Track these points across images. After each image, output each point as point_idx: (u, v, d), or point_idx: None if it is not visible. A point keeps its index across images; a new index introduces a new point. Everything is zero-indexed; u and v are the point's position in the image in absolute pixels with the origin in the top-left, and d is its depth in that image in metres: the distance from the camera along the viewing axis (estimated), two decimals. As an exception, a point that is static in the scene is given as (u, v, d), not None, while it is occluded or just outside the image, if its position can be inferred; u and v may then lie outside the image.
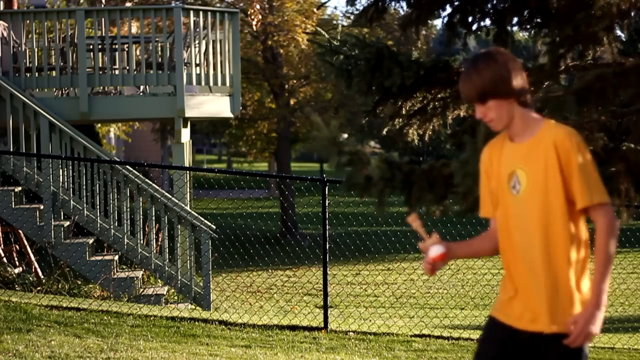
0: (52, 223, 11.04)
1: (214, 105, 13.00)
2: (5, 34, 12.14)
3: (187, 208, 11.45)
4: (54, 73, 12.32)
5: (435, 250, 3.46)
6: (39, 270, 11.64)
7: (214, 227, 11.19)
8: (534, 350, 3.37)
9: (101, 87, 13.06)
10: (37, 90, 12.59)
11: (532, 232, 3.34)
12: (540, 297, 3.34)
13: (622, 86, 5.20)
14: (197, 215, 11.25)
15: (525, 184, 3.33)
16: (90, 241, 11.38)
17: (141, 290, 11.34)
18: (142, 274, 11.92)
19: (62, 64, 12.30)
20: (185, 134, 12.96)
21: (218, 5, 24.26)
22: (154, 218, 11.16)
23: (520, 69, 3.34)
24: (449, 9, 6.00)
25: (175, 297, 11.65)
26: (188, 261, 11.20)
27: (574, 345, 3.28)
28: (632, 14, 5.75)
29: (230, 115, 13.32)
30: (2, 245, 11.80)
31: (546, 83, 5.78)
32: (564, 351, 3.29)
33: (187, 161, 13.39)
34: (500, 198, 3.42)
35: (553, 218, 3.33)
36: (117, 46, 12.49)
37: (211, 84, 12.71)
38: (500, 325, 3.42)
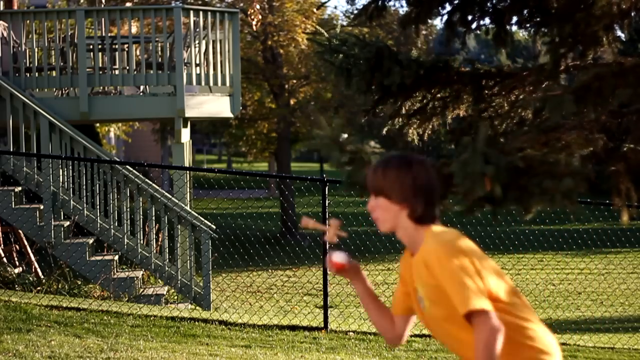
0: (52, 223, 11.04)
1: (214, 105, 13.00)
2: (5, 34, 12.14)
3: (187, 208, 11.44)
4: (54, 73, 12.31)
5: (338, 256, 3.52)
6: (39, 270, 11.64)
7: (214, 227, 11.19)
8: None
9: (101, 87, 13.06)
10: (37, 90, 12.58)
11: (447, 341, 3.34)
12: None
13: (621, 86, 5.19)
14: (197, 215, 11.25)
15: (426, 301, 3.28)
16: (90, 241, 11.38)
17: (141, 290, 11.34)
18: (142, 274, 11.92)
19: (62, 64, 12.30)
20: (185, 134, 12.95)
21: (218, 5, 24.25)
22: (154, 218, 11.16)
23: (430, 187, 3.29)
24: (448, 8, 5.99)
25: (175, 297, 11.65)
26: (188, 261, 11.20)
27: None
28: (633, 14, 5.74)
29: (230, 115, 13.32)
30: (2, 245, 11.80)
31: (546, 83, 5.78)
32: None
33: (187, 161, 13.39)
34: (415, 306, 3.40)
35: (459, 329, 3.23)
36: (117, 46, 12.49)
37: (211, 84, 12.71)
38: None
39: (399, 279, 3.52)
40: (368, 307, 3.60)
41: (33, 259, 11.82)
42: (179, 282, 11.15)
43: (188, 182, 12.47)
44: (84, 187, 11.22)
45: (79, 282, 11.04)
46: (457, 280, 3.12)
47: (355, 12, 26.13)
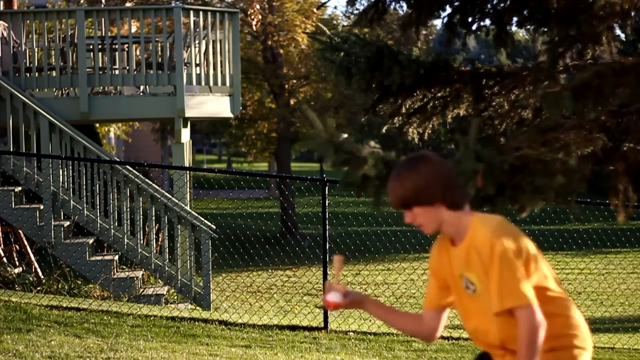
0: (52, 223, 11.04)
1: (214, 105, 13.00)
2: (5, 34, 12.14)
3: (187, 208, 11.45)
4: (54, 73, 12.32)
5: (333, 296, 3.54)
6: (39, 270, 11.64)
7: (214, 227, 11.19)
8: None
9: (101, 87, 13.06)
10: (37, 90, 12.58)
11: (481, 327, 3.38)
12: None
13: (621, 84, 5.19)
14: (197, 215, 11.25)
15: (478, 284, 3.32)
16: (90, 241, 11.38)
17: (141, 290, 11.34)
18: (142, 274, 11.92)
19: (62, 64, 12.30)
20: (185, 134, 12.96)
21: (218, 5, 24.25)
22: (154, 218, 11.16)
23: (446, 174, 3.34)
24: (448, 9, 6.00)
25: (175, 297, 11.65)
26: (188, 261, 11.20)
27: None
28: (633, 14, 5.74)
29: (230, 115, 13.32)
30: (2, 245, 11.80)
31: (545, 82, 5.78)
32: None
33: (187, 161, 13.39)
34: (457, 294, 3.44)
35: (499, 321, 3.31)
36: (117, 46, 12.49)
37: (211, 84, 12.71)
38: None
39: (430, 274, 3.54)
40: (388, 321, 3.65)
41: (33, 259, 11.83)
42: (179, 282, 11.15)
43: (188, 182, 12.47)
44: (84, 187, 11.22)
45: (79, 282, 11.04)
46: (506, 272, 3.19)
47: (356, 13, 26.16)
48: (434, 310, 3.54)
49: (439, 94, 6.21)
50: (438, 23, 56.69)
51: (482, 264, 3.25)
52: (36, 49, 12.67)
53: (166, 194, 11.46)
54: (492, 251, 3.21)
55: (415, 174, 3.31)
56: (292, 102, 26.16)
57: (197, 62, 12.61)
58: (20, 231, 11.69)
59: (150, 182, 11.43)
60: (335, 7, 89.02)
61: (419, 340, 4.02)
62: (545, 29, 5.92)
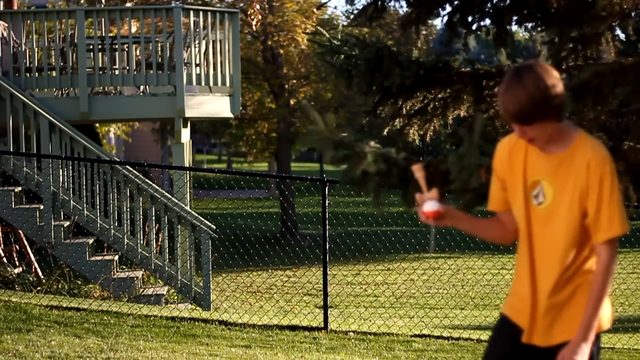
0: (52, 223, 11.04)
1: (214, 105, 13.00)
2: (5, 34, 12.14)
3: (187, 208, 11.45)
4: (54, 73, 12.32)
5: (430, 205, 3.31)
6: (39, 270, 11.64)
7: (214, 227, 11.19)
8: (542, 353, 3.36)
9: (101, 87, 13.06)
10: (37, 90, 12.59)
11: (551, 245, 3.27)
12: (539, 311, 3.32)
13: (620, 84, 5.19)
14: (197, 215, 11.25)
15: (551, 198, 3.24)
16: (90, 241, 11.38)
17: (141, 290, 11.34)
18: (142, 274, 11.92)
19: (62, 64, 12.30)
20: (185, 134, 12.96)
21: (218, 5, 24.26)
22: (154, 218, 11.16)
23: (560, 82, 3.18)
24: (448, 8, 6.00)
25: (175, 297, 11.65)
26: (188, 261, 11.20)
27: None
28: (633, 14, 5.74)
29: (230, 115, 13.33)
30: (2, 245, 11.80)
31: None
32: None
33: (187, 161, 13.39)
34: (518, 202, 3.33)
35: (570, 239, 3.24)
36: (117, 46, 12.49)
37: (211, 84, 12.71)
38: (512, 324, 3.40)
39: (495, 171, 3.41)
40: (478, 232, 3.51)
41: (33, 259, 11.83)
42: (179, 282, 11.15)
43: (188, 182, 12.47)
44: (84, 187, 11.22)
45: (79, 282, 11.04)
46: (616, 204, 3.15)
47: (355, 12, 26.14)
48: (506, 211, 3.43)
49: (440, 95, 6.21)
50: (438, 23, 56.69)
51: (586, 178, 3.15)
52: (36, 49, 12.67)
53: (166, 194, 11.46)
54: (609, 173, 3.14)
55: (536, 88, 3.10)
56: (292, 102, 26.16)
57: (197, 62, 12.61)
58: (20, 231, 11.69)
59: (150, 182, 11.43)
60: (335, 7, 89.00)
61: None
62: (545, 29, 5.92)
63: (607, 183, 3.15)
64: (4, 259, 11.32)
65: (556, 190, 3.22)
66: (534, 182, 3.26)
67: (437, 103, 6.23)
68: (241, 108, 14.98)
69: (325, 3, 28.23)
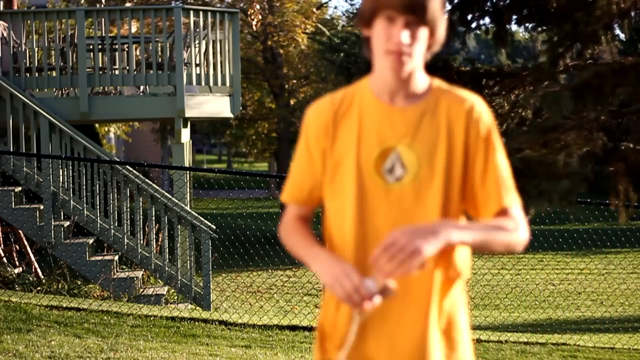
0: (52, 223, 11.04)
1: (214, 105, 13.00)
2: (5, 34, 12.14)
3: (187, 208, 11.44)
4: (54, 73, 12.31)
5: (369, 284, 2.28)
6: (39, 270, 11.64)
7: (214, 227, 11.19)
8: None
9: (101, 87, 13.06)
10: (37, 90, 12.58)
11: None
12: (413, 335, 2.36)
13: (621, 84, 5.19)
14: (197, 215, 11.25)
15: (416, 168, 2.31)
16: (90, 241, 11.38)
17: (141, 290, 11.33)
18: (142, 274, 11.92)
19: (62, 64, 12.30)
20: (185, 134, 12.95)
21: (218, 5, 24.26)
22: (154, 218, 11.16)
23: None
24: (447, 6, 6.00)
25: (175, 297, 11.65)
26: (188, 261, 11.20)
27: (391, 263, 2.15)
28: (632, 13, 5.74)
29: (230, 115, 13.32)
30: (2, 245, 11.80)
31: (545, 82, 5.78)
32: None
33: (187, 161, 13.39)
34: (347, 186, 2.34)
35: (439, 205, 2.31)
36: (117, 46, 12.49)
37: (211, 84, 12.71)
38: None
39: (306, 151, 2.43)
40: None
41: (33, 259, 11.82)
42: (179, 282, 11.15)
43: (188, 182, 12.47)
44: (84, 187, 11.22)
45: (79, 282, 11.04)
46: (506, 166, 2.35)
47: (355, 12, 26.12)
48: (312, 207, 2.47)
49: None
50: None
51: (461, 136, 2.31)
52: (36, 49, 12.67)
53: (166, 194, 11.46)
54: (493, 126, 2.33)
55: None
56: (292, 102, 26.17)
57: (197, 62, 12.61)
58: (20, 231, 11.69)
59: (150, 182, 11.43)
60: (336, 7, 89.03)
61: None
62: (545, 28, 5.93)
63: (494, 139, 2.34)
64: (4, 259, 11.32)
65: (420, 156, 2.31)
66: (383, 153, 2.33)
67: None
68: (241, 108, 14.98)
69: (326, 3, 28.21)
